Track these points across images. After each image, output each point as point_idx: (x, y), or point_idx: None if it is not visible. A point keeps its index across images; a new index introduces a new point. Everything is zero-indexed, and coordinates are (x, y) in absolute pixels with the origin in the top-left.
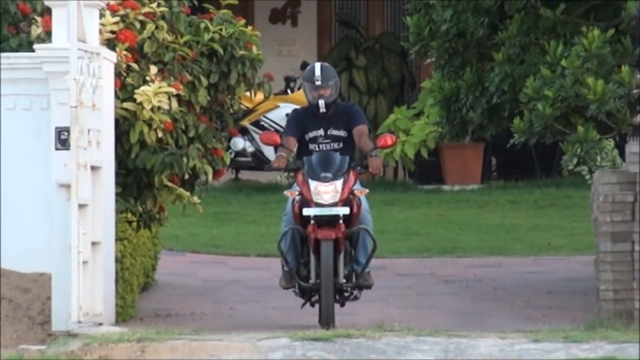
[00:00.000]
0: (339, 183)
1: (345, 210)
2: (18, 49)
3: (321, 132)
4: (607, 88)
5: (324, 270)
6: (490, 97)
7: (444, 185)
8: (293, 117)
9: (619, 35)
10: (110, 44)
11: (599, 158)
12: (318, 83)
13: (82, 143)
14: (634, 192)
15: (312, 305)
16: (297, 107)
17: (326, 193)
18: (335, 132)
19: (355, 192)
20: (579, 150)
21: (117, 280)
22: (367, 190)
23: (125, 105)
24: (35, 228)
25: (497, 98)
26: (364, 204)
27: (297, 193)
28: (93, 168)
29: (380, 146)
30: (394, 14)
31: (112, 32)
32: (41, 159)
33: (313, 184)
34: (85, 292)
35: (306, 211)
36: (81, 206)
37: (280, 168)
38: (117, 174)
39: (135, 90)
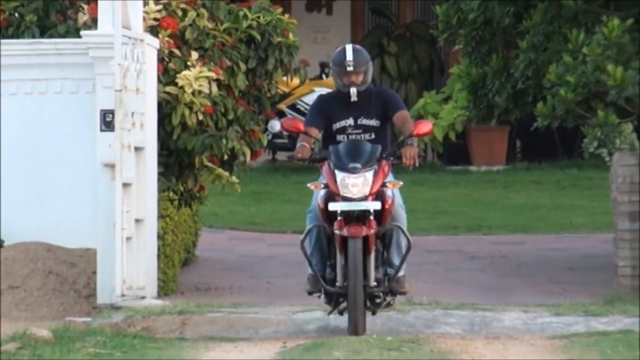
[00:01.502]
0: (369, 174)
1: (377, 205)
2: (65, 35)
3: (350, 121)
4: (626, 75)
5: (352, 272)
6: (515, 83)
7: (470, 166)
8: (317, 105)
9: (638, 24)
10: (154, 30)
11: (618, 141)
12: (350, 68)
13: (126, 125)
14: None
15: (341, 313)
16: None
17: (355, 186)
18: (366, 122)
19: (388, 184)
20: (599, 133)
21: (159, 256)
22: (401, 183)
23: (168, 89)
24: (81, 206)
25: (522, 83)
26: (398, 199)
27: (322, 186)
28: (137, 149)
29: (415, 134)
30: (424, 2)
31: (155, 19)
32: (87, 140)
33: (340, 175)
34: (128, 267)
35: (332, 206)
36: (125, 185)
37: (304, 159)
38: (160, 155)
39: (177, 75)
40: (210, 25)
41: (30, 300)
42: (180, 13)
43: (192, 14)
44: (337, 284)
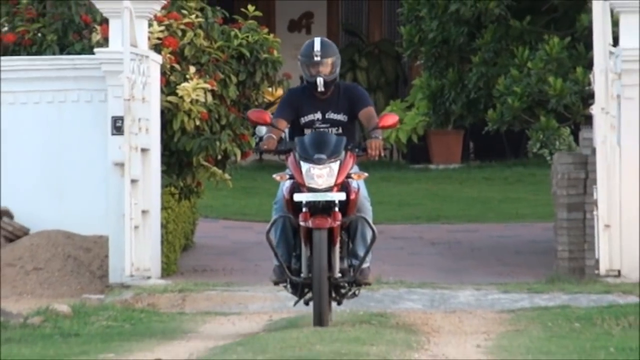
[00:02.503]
0: (334, 165)
1: (342, 196)
2: (81, 52)
3: (318, 115)
4: (564, 85)
5: (316, 263)
6: (469, 93)
7: (430, 164)
8: (287, 98)
9: (574, 42)
10: (157, 48)
11: (557, 143)
12: (317, 59)
13: (134, 129)
14: (586, 170)
15: (307, 303)
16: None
17: (320, 177)
18: (334, 116)
19: (353, 176)
20: (541, 136)
21: (162, 242)
22: (365, 174)
23: (169, 98)
24: (95, 199)
25: (475, 93)
26: (363, 190)
27: (287, 177)
28: (143, 150)
29: (381, 126)
30: (390, 24)
31: (159, 38)
32: (100, 142)
33: (305, 166)
34: (136, 252)
35: (297, 196)
36: (133, 181)
37: (270, 150)
38: (162, 155)
39: (177, 87)
40: (205, 43)
41: (51, 280)
42: (180, 33)
43: (190, 34)
44: (302, 275)
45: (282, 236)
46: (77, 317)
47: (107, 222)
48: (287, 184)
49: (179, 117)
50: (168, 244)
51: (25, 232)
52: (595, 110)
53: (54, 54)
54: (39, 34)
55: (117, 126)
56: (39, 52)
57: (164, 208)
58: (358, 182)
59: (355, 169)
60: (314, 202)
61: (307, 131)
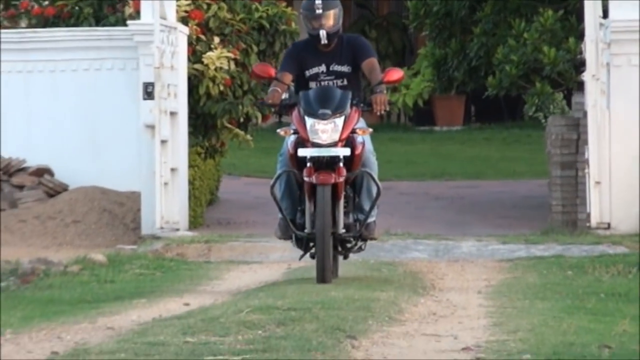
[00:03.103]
0: (339, 121)
1: (346, 152)
2: (115, 24)
3: (323, 67)
4: (558, 54)
5: (319, 219)
6: (470, 61)
7: (435, 126)
8: (291, 51)
9: (567, 15)
10: (184, 20)
11: (551, 107)
12: (319, 11)
13: (163, 95)
14: (577, 132)
15: (313, 257)
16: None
17: (324, 132)
18: (338, 68)
19: (358, 131)
20: (536, 100)
21: (189, 197)
22: (370, 130)
23: (195, 66)
24: (128, 158)
25: (475, 62)
26: (368, 145)
27: (292, 132)
28: (171, 113)
29: (386, 81)
30: None
31: (186, 11)
32: (132, 106)
33: (310, 121)
34: (166, 206)
35: (301, 152)
36: (162, 142)
37: (274, 104)
38: (189, 118)
39: (203, 55)
40: (229, 16)
41: (88, 231)
42: (205, 6)
43: (214, 7)
44: (306, 230)
45: (287, 191)
46: (112, 265)
47: (139, 179)
48: (292, 138)
49: (205, 83)
50: (195, 199)
51: (64, 188)
52: (586, 76)
53: (90, 26)
54: (77, 8)
55: (148, 91)
56: (76, 24)
57: (190, 166)
58: (363, 137)
59: (361, 123)
60: (318, 157)
61: (312, 84)
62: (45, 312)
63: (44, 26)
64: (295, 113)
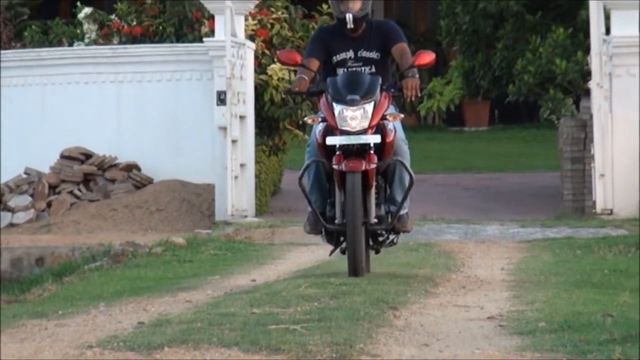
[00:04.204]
0: (368, 107)
1: (376, 139)
2: (193, 41)
3: (350, 53)
4: (568, 66)
5: (350, 208)
6: (494, 72)
7: (464, 127)
8: (317, 36)
9: (576, 32)
10: (251, 38)
11: (563, 110)
12: None
13: (234, 101)
14: (585, 131)
15: (343, 252)
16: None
17: (353, 119)
18: (366, 54)
19: (389, 117)
20: (550, 105)
21: (256, 188)
22: (402, 115)
23: (261, 77)
24: (204, 155)
25: (499, 72)
26: (400, 132)
27: (320, 120)
28: (241, 117)
29: (417, 65)
30: (432, 18)
31: (253, 30)
32: (207, 111)
33: (338, 108)
34: (236, 196)
35: (330, 140)
36: (233, 141)
37: (301, 92)
38: (255, 121)
39: (267, 68)
40: (289, 34)
41: (170, 218)
42: (269, 26)
43: (277, 27)
44: (337, 221)
45: (316, 182)
46: (190, 247)
47: (213, 173)
48: (320, 126)
49: (269, 91)
50: (260, 190)
51: (149, 181)
52: (592, 84)
53: (171, 42)
54: (160, 27)
55: (221, 98)
56: (160, 41)
57: (257, 162)
58: (394, 124)
59: (392, 109)
60: (348, 145)
61: (340, 71)
62: (133, 288)
63: (133, 43)
64: (323, 100)
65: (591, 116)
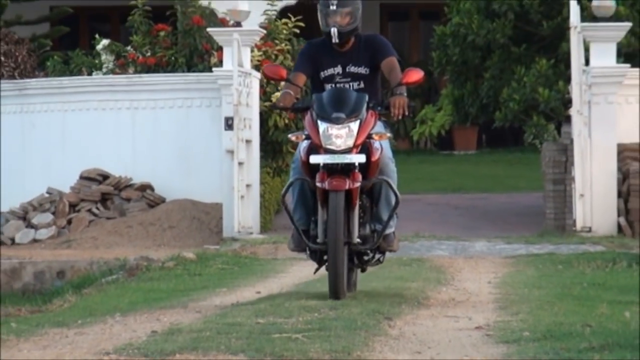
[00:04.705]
0: (354, 125)
1: (361, 158)
2: (203, 70)
3: (339, 69)
4: (550, 94)
5: (331, 227)
6: (482, 99)
7: (454, 151)
8: (305, 51)
9: (558, 63)
10: (257, 67)
11: (545, 135)
12: (332, 8)
13: (240, 126)
14: (566, 155)
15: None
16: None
17: (338, 137)
18: (355, 69)
19: (375, 136)
20: (534, 130)
21: (260, 207)
22: (389, 134)
23: (266, 104)
24: (212, 176)
25: (486, 100)
26: (387, 151)
27: (304, 137)
28: (247, 141)
29: (405, 82)
30: (425, 49)
31: (258, 60)
32: (216, 135)
33: (323, 125)
34: (242, 214)
35: (314, 159)
36: (240, 163)
37: (285, 107)
38: (260, 144)
39: (272, 95)
40: (292, 64)
41: (181, 235)
42: (273, 57)
43: (281, 57)
44: (318, 240)
45: (300, 199)
46: (200, 261)
47: (221, 193)
48: (305, 144)
49: (273, 117)
50: (265, 209)
51: (162, 200)
52: (572, 111)
53: (183, 72)
54: (173, 58)
55: (229, 124)
56: (172, 71)
57: (261, 183)
58: (381, 142)
59: (379, 128)
60: (332, 164)
61: (328, 86)
62: (147, 299)
63: (147, 72)
64: (308, 117)
65: (572, 141)
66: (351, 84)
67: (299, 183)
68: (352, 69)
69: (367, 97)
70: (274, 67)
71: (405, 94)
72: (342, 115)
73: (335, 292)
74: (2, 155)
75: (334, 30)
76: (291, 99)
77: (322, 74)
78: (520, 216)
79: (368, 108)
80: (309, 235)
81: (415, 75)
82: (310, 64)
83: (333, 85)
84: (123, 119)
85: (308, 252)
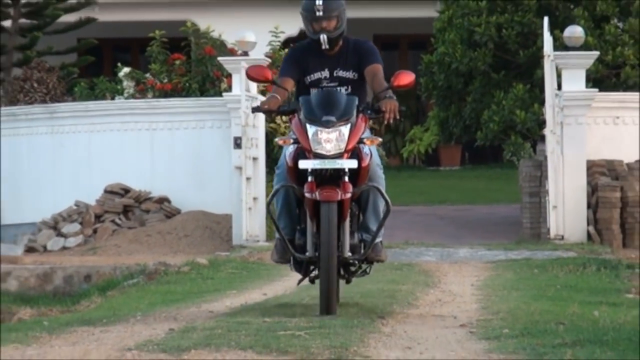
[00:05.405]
0: (344, 129)
1: (352, 164)
2: (214, 95)
3: (326, 73)
4: (527, 116)
5: (325, 241)
6: (465, 121)
7: (440, 167)
8: (292, 55)
9: (533, 88)
10: (263, 92)
11: (522, 152)
12: (319, 14)
13: (248, 145)
14: (541, 170)
15: (312, 281)
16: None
17: (328, 141)
18: (342, 74)
19: (365, 141)
20: (512, 148)
21: (266, 217)
22: (379, 139)
23: (271, 125)
24: (223, 190)
25: (469, 121)
26: (375, 157)
27: (291, 141)
28: (254, 158)
29: (396, 85)
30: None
31: (264, 86)
32: (226, 153)
33: (312, 129)
34: (250, 224)
35: (302, 163)
36: (247, 179)
37: (271, 110)
38: (266, 161)
39: (276, 117)
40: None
41: (195, 243)
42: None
43: None
44: (308, 253)
45: (285, 208)
46: (212, 267)
47: (231, 205)
48: (291, 149)
49: (277, 136)
50: (270, 219)
51: (178, 211)
52: (546, 131)
53: (196, 96)
54: (187, 84)
55: (237, 143)
56: (187, 95)
57: (267, 196)
58: (370, 148)
59: (368, 133)
60: (321, 170)
61: (314, 91)
62: (165, 300)
63: (164, 97)
64: (295, 120)
65: (546, 158)
66: (339, 88)
67: (284, 190)
68: (340, 73)
69: (357, 100)
70: (258, 68)
71: (395, 97)
72: (333, 119)
73: (327, 308)
74: (36, 172)
75: (323, 37)
76: (277, 102)
77: (309, 78)
78: (500, 225)
79: (358, 112)
80: (295, 244)
81: (407, 77)
82: (297, 68)
83: (320, 90)
84: (143, 138)
85: (292, 263)
